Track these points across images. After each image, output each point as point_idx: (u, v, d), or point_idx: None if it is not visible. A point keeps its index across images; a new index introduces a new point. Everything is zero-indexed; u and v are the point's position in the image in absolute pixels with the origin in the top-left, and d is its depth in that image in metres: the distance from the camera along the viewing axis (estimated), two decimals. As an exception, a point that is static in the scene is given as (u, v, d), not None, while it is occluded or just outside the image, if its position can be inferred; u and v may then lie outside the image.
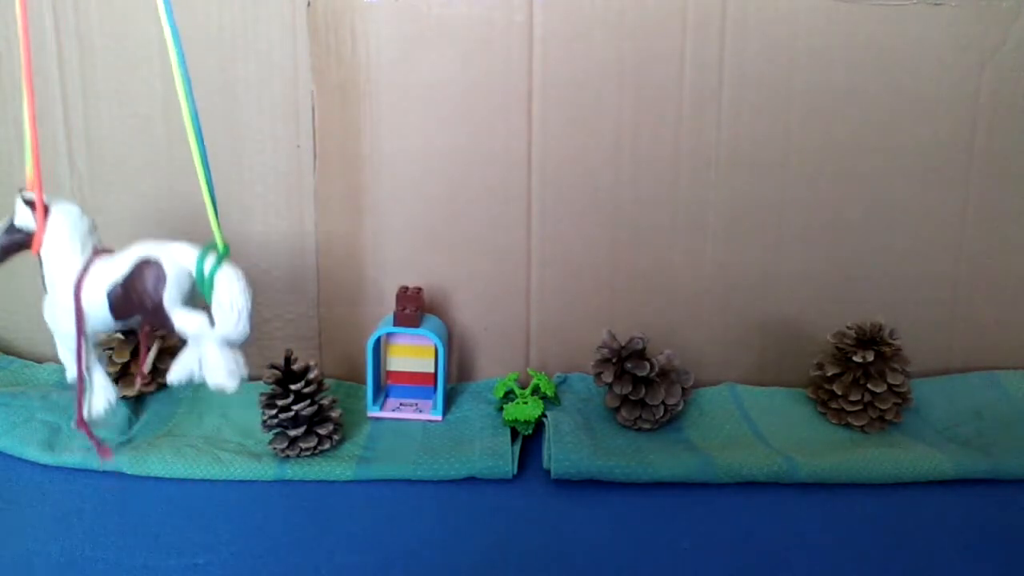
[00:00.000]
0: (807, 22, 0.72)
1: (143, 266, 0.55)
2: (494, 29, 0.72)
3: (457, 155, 0.75)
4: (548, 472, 0.63)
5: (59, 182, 0.78)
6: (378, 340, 0.73)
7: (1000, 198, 0.77)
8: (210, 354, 0.55)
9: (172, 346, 0.75)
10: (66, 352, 0.58)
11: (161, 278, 0.54)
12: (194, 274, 0.54)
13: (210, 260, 0.53)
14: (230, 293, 0.53)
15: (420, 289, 0.73)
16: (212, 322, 0.54)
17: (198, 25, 0.73)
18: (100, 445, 0.58)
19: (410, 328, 0.72)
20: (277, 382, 0.65)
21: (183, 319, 0.54)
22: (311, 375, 0.65)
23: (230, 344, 0.55)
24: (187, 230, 0.77)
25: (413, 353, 0.75)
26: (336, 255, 0.78)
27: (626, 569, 0.53)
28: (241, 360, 0.56)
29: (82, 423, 0.58)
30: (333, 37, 0.73)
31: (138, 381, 0.65)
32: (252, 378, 0.78)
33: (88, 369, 0.57)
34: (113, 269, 0.55)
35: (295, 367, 0.65)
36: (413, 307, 0.71)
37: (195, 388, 0.75)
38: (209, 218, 0.54)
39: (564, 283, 0.78)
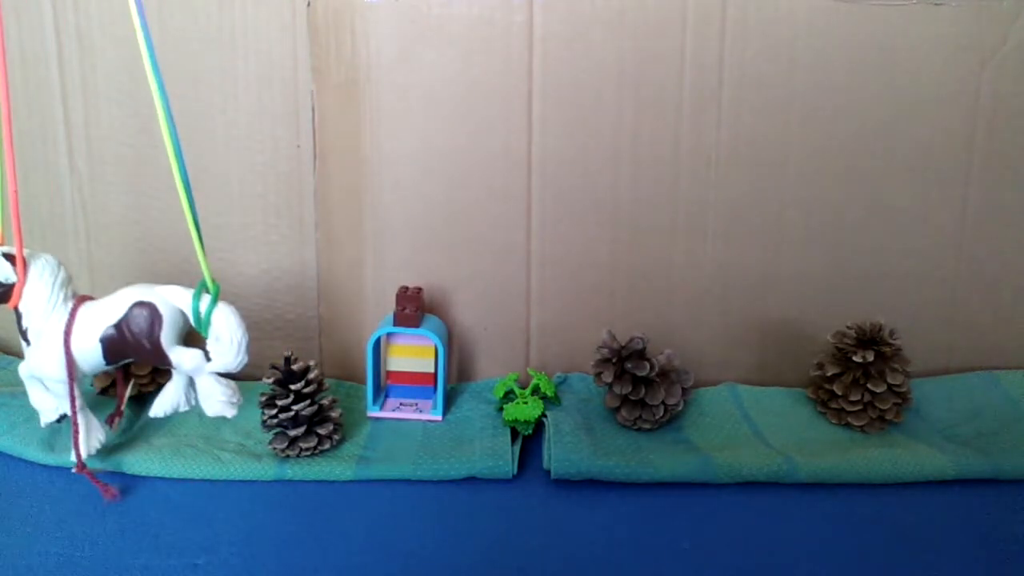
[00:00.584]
0: (807, 22, 0.72)
1: (138, 309, 0.57)
2: (494, 29, 0.72)
3: (457, 155, 0.75)
4: (548, 472, 0.63)
5: (60, 183, 0.78)
6: (378, 340, 0.73)
7: (1000, 198, 0.77)
8: (208, 386, 0.59)
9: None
10: (40, 398, 0.61)
11: (157, 319, 0.57)
12: (189, 313, 0.57)
13: (205, 300, 0.57)
14: (229, 328, 0.57)
15: (420, 289, 0.73)
16: (207, 356, 0.58)
17: (198, 25, 0.73)
18: (104, 487, 0.60)
19: (410, 328, 0.72)
20: (277, 382, 0.65)
21: (181, 356, 0.58)
22: (311, 375, 0.65)
23: (227, 374, 0.59)
24: (186, 230, 0.78)
25: (413, 353, 0.75)
26: (336, 255, 0.78)
27: (626, 569, 0.53)
28: (236, 388, 0.60)
29: (82, 468, 0.60)
30: (333, 37, 0.73)
31: (116, 421, 0.66)
32: (252, 378, 0.79)
33: (80, 411, 0.60)
34: (105, 314, 0.58)
35: (295, 367, 0.65)
36: (413, 307, 0.71)
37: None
38: (199, 260, 0.56)
39: (564, 283, 0.78)
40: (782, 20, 0.72)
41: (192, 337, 0.59)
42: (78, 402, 0.59)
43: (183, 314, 0.58)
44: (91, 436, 0.61)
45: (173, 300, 0.58)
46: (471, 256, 0.77)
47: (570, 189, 0.76)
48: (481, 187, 0.75)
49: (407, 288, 0.73)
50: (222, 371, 0.58)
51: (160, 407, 0.60)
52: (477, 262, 0.77)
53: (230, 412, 0.59)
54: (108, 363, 0.59)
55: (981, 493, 0.62)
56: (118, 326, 0.57)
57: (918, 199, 0.77)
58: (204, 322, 0.57)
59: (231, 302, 0.58)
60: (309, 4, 0.72)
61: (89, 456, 0.60)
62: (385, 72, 0.73)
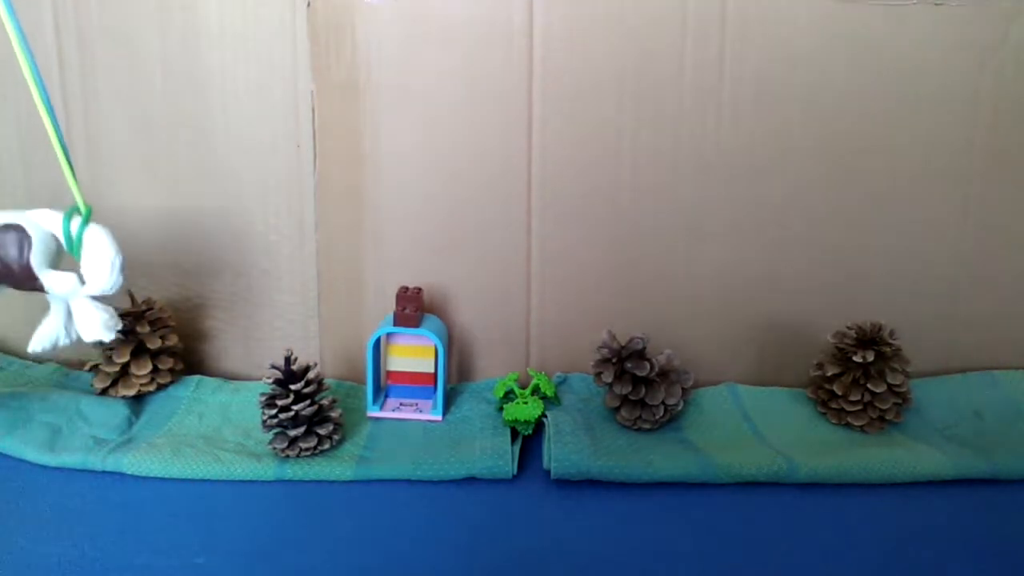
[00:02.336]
0: (807, 22, 0.72)
1: (5, 232, 0.56)
2: (494, 29, 0.72)
3: (457, 155, 0.75)
4: (548, 472, 0.63)
5: (61, 183, 0.78)
6: (378, 340, 0.73)
7: (1000, 198, 0.77)
8: (84, 310, 0.58)
9: (171, 346, 0.75)
10: None
11: (26, 241, 0.56)
12: (60, 236, 0.56)
13: (76, 221, 0.56)
14: (102, 248, 0.56)
15: (420, 289, 0.73)
16: (82, 280, 0.56)
17: (198, 25, 0.73)
18: None
19: (410, 328, 0.72)
20: (277, 382, 0.65)
21: (54, 280, 0.56)
22: (311, 375, 0.65)
23: (103, 297, 0.58)
24: (188, 230, 0.78)
25: (413, 353, 0.75)
26: (336, 255, 0.78)
27: (626, 569, 0.53)
28: (113, 312, 0.59)
29: None
30: (333, 37, 0.73)
31: None
32: (252, 378, 0.79)
33: None
34: None
35: (295, 367, 0.65)
36: (413, 307, 0.71)
37: (195, 388, 0.75)
38: (69, 183, 0.56)
39: (564, 283, 0.78)
40: (782, 20, 0.72)
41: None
42: None
43: (54, 237, 0.56)
44: None
45: (45, 223, 0.56)
46: (471, 256, 0.77)
47: (570, 189, 0.76)
48: (481, 187, 0.75)
49: (407, 288, 0.73)
50: (97, 294, 0.57)
51: (38, 341, 0.59)
52: (477, 262, 0.77)
53: (107, 336, 0.58)
54: None
55: (981, 493, 0.62)
56: None
57: (918, 199, 0.77)
58: (76, 243, 0.56)
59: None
60: (309, 4, 0.72)
61: None
62: (385, 72, 0.73)
